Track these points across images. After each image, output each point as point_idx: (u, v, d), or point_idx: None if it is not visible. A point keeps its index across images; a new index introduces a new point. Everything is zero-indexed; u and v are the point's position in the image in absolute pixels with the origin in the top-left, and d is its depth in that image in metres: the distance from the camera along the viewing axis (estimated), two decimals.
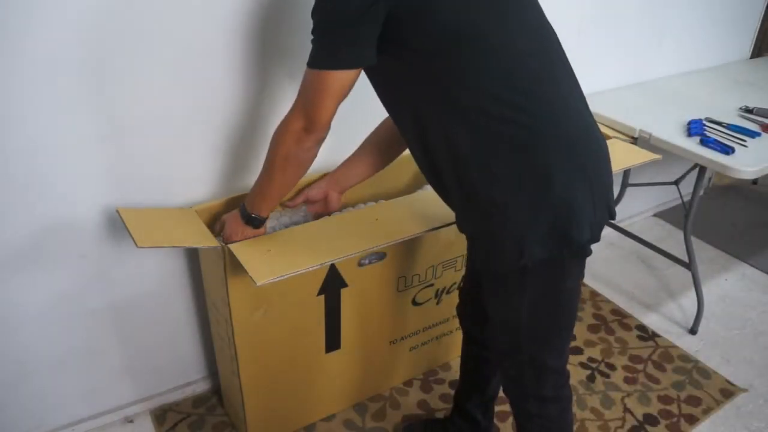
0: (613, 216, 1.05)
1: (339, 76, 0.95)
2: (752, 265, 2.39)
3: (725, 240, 2.53)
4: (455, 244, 1.54)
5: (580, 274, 1.09)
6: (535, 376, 1.14)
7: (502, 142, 0.95)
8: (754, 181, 3.01)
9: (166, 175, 1.34)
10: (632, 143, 1.77)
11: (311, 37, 0.96)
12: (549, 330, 1.11)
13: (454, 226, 1.13)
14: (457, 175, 1.00)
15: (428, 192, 1.50)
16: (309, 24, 0.95)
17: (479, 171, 0.96)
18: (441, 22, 0.91)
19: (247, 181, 1.46)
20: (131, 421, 1.61)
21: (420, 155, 1.07)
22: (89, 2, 1.09)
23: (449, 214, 1.14)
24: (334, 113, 1.00)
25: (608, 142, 1.73)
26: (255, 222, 1.17)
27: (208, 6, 1.21)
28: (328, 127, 1.02)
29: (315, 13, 0.94)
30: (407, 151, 1.64)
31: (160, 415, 1.63)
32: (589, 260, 1.07)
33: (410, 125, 1.04)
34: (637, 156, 1.63)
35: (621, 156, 1.64)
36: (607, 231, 2.25)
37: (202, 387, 1.71)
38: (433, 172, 1.07)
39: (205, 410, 1.66)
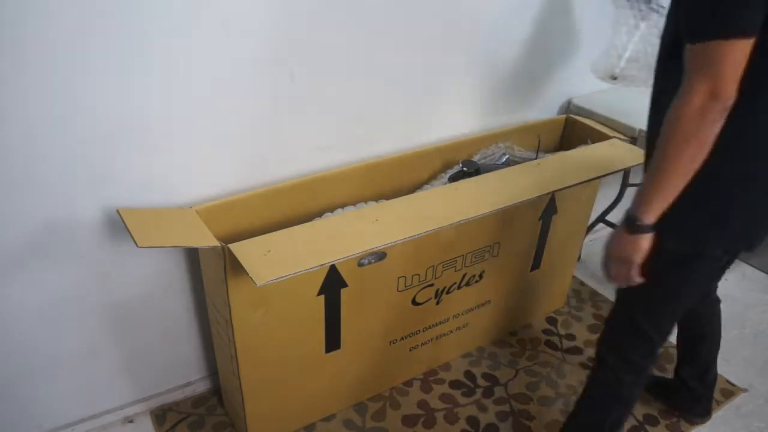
0: (750, 248, 1.12)
1: (740, 46, 0.88)
2: (752, 265, 2.39)
3: None
4: (455, 244, 1.53)
5: (715, 276, 1.21)
6: (631, 336, 1.25)
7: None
8: None
9: (166, 175, 1.34)
10: (632, 143, 1.77)
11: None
12: (656, 300, 1.20)
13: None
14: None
15: (428, 192, 1.50)
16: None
17: (732, 145, 0.98)
18: None
19: (248, 181, 1.46)
20: (131, 421, 1.61)
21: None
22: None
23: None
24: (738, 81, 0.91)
25: (608, 142, 1.75)
26: (638, 228, 1.03)
27: (208, 5, 1.21)
28: (734, 95, 0.92)
29: None
30: (398, 152, 1.65)
31: (160, 415, 1.63)
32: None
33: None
34: (637, 156, 1.63)
35: (621, 156, 1.64)
36: (607, 231, 2.25)
37: (202, 387, 1.71)
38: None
39: (205, 410, 1.66)
